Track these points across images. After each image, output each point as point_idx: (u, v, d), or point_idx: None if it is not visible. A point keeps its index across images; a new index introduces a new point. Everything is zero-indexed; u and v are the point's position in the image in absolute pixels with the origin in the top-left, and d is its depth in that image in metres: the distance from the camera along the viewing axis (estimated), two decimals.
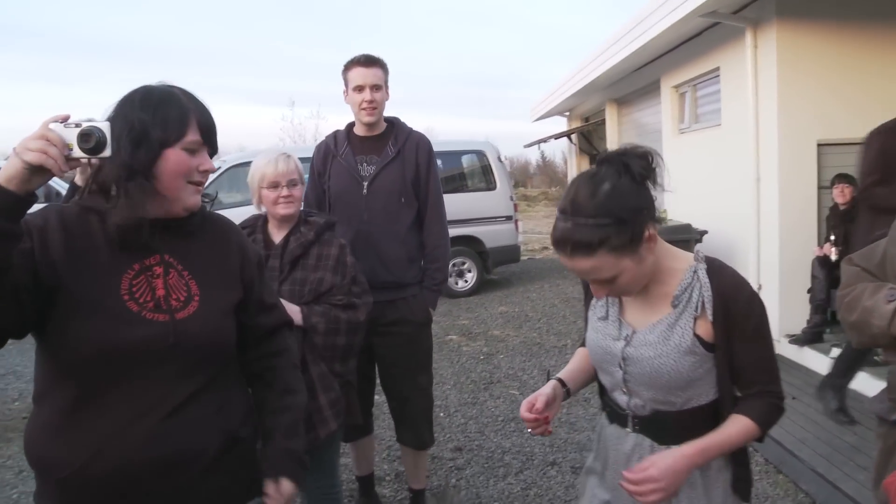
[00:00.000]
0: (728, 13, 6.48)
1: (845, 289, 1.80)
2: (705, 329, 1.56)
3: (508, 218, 10.47)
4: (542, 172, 43.16)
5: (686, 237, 6.34)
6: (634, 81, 10.48)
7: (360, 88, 3.18)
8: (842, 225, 5.67)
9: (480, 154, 10.50)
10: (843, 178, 5.73)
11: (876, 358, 4.65)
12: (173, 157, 1.47)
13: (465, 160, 10.65)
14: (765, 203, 6.20)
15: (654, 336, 1.60)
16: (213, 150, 1.55)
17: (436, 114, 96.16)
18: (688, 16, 6.54)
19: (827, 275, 5.72)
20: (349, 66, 3.23)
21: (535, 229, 19.55)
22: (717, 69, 7.51)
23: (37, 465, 1.50)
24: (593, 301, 1.76)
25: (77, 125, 1.31)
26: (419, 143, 3.33)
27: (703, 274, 1.57)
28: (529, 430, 1.71)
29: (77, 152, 1.30)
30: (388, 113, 3.34)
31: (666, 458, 1.50)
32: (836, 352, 5.44)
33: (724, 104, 7.41)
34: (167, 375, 1.47)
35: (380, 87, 3.21)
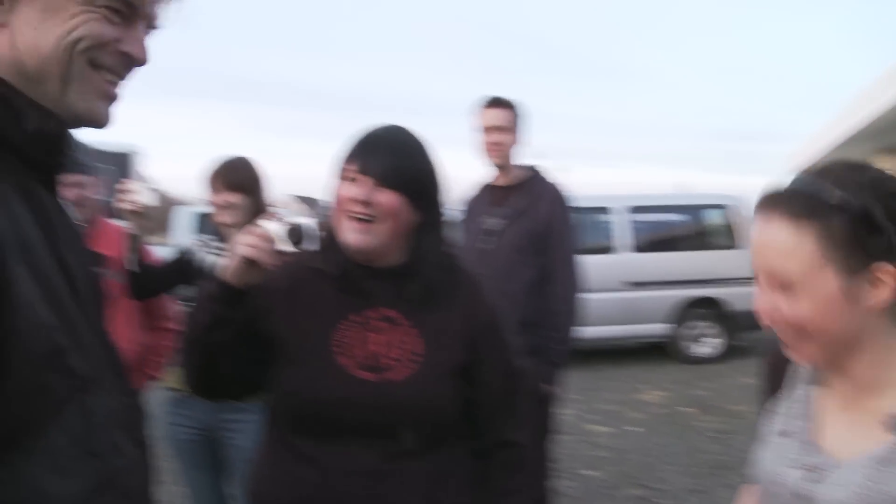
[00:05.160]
0: None
1: None
2: None
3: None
4: None
5: None
6: None
7: (485, 130, 3.08)
8: None
9: (723, 209, 9.73)
10: None
11: None
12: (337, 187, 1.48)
13: (707, 215, 9.92)
14: None
15: (858, 476, 1.02)
16: (384, 183, 1.41)
17: (685, 166, 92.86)
18: None
19: None
20: (480, 109, 3.15)
21: None
22: None
23: (252, 498, 1.53)
24: (779, 405, 1.24)
25: (284, 222, 1.45)
26: (553, 195, 3.09)
27: None
28: None
29: (283, 245, 1.42)
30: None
31: None
32: None
33: None
34: (375, 435, 1.40)
35: (503, 129, 3.04)
